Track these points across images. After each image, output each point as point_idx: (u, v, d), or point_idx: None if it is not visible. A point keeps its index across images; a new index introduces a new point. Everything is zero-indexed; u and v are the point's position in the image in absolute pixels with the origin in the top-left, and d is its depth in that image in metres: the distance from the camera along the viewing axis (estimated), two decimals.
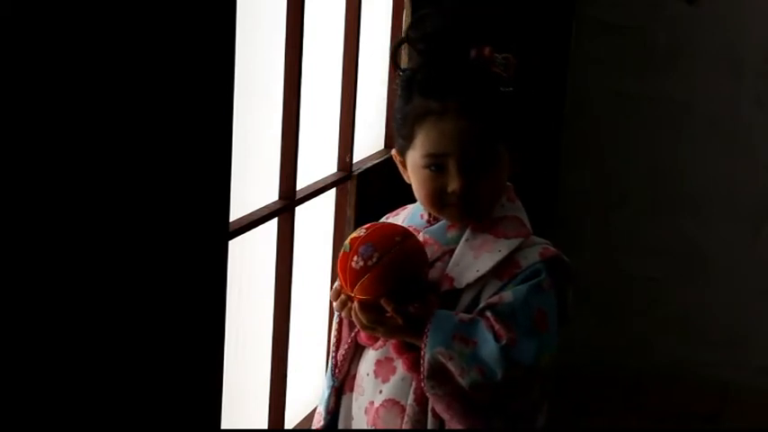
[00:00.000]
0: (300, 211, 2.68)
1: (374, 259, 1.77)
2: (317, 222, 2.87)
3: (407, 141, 1.86)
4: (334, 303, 1.85)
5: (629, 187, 4.58)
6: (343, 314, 1.86)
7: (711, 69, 4.43)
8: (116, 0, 1.72)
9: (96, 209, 1.74)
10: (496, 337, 1.75)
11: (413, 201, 2.00)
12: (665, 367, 4.55)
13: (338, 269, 1.81)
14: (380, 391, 1.85)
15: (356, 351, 1.91)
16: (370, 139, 3.20)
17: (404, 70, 1.90)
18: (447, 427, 1.80)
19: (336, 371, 1.91)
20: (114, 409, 1.85)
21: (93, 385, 1.79)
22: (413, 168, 1.86)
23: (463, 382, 1.75)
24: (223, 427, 2.29)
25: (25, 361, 1.62)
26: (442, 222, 1.89)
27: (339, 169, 2.94)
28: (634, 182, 4.57)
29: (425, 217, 1.90)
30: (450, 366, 1.75)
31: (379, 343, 1.86)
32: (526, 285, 1.80)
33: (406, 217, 1.95)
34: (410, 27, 1.90)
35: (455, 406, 1.77)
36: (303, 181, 2.71)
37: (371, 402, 1.86)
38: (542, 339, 1.78)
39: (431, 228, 1.89)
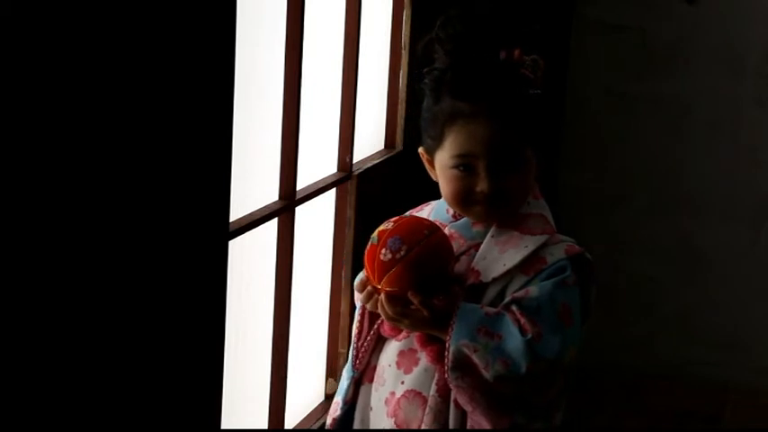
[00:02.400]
0: (300, 211, 2.68)
1: (402, 252, 1.78)
2: (317, 222, 2.87)
3: (436, 142, 1.87)
4: (360, 295, 1.87)
5: (629, 187, 4.58)
6: (368, 306, 1.87)
7: (711, 69, 4.43)
8: (116, 0, 1.73)
9: (97, 209, 1.74)
10: (522, 331, 1.77)
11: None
12: (666, 367, 4.55)
13: (365, 261, 1.82)
14: (402, 382, 1.87)
15: (377, 342, 1.92)
16: (370, 139, 3.20)
17: (431, 70, 1.90)
18: (469, 419, 1.81)
19: (357, 362, 1.92)
20: (114, 409, 1.85)
21: (93, 385, 1.79)
22: (441, 168, 1.88)
23: (487, 374, 1.76)
24: (223, 427, 2.29)
25: (26, 361, 1.62)
26: (467, 218, 1.90)
27: (339, 169, 2.94)
28: (634, 182, 4.57)
29: (451, 212, 1.92)
30: (475, 359, 1.76)
31: (403, 334, 1.87)
32: (552, 281, 1.83)
33: (432, 211, 1.96)
34: (439, 27, 1.90)
35: (478, 398, 1.79)
36: (303, 181, 2.71)
37: (392, 393, 1.87)
38: (566, 334, 1.81)
39: (456, 222, 1.90)
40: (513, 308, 1.80)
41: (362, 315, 1.94)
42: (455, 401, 1.82)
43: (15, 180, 1.55)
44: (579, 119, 4.59)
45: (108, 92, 1.73)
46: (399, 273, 1.78)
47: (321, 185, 2.80)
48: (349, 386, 1.94)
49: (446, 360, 1.78)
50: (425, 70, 1.91)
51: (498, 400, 1.80)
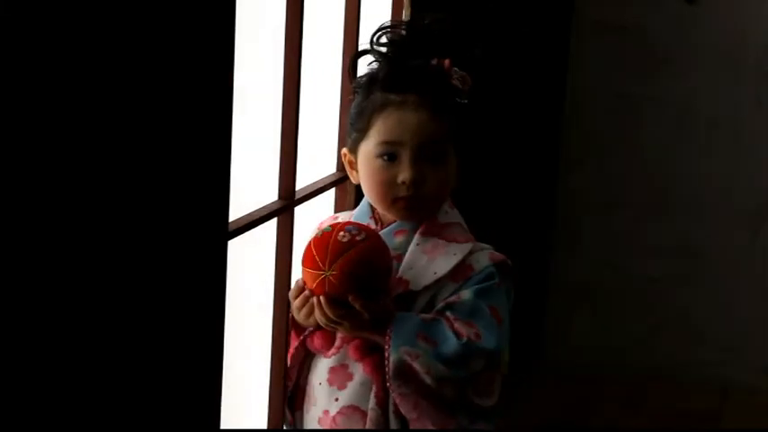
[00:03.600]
0: (300, 211, 2.68)
1: (362, 236, 1.80)
2: (316, 222, 2.87)
3: (362, 133, 1.92)
4: (294, 302, 1.88)
5: (629, 187, 4.58)
6: (300, 313, 1.88)
7: (711, 69, 4.43)
8: (115, 0, 1.73)
9: (95, 209, 1.74)
10: (458, 336, 1.80)
11: None
12: (665, 367, 4.55)
13: (312, 250, 1.82)
14: (336, 399, 1.88)
15: (304, 362, 1.94)
16: None
17: (366, 74, 1.97)
18: (411, 426, 1.83)
19: (289, 383, 1.95)
20: (114, 410, 1.85)
21: (92, 385, 1.79)
22: (365, 159, 1.92)
23: (429, 379, 1.78)
24: (223, 426, 2.29)
25: (24, 361, 1.62)
26: (389, 229, 1.93)
27: (339, 169, 2.94)
28: (634, 182, 4.57)
29: (373, 226, 1.94)
30: (417, 365, 1.78)
31: (332, 350, 1.88)
32: (482, 286, 1.89)
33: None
34: (374, 35, 1.99)
35: (422, 403, 1.81)
36: (303, 181, 2.71)
37: (326, 412, 1.89)
38: (500, 333, 1.87)
39: (378, 233, 1.93)
40: (448, 313, 1.83)
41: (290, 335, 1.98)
42: (395, 412, 1.84)
43: (14, 180, 1.55)
44: (579, 119, 4.59)
45: (107, 91, 1.73)
46: (359, 253, 1.79)
47: (321, 185, 2.80)
48: (286, 411, 1.98)
49: (387, 368, 1.80)
50: (359, 76, 1.97)
51: (442, 402, 1.82)
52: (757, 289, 4.50)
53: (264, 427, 2.67)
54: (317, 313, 1.83)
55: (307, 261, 1.84)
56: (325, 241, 1.81)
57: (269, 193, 2.56)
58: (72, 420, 1.75)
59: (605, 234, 4.60)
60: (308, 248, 1.84)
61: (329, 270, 1.80)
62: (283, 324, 2.66)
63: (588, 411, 4.20)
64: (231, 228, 2.27)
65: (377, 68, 1.95)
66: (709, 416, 4.26)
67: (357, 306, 1.79)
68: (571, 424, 4.09)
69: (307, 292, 1.84)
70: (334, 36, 2.88)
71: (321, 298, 1.81)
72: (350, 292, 1.79)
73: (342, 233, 1.81)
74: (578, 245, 4.59)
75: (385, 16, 3.19)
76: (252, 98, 2.38)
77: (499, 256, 1.95)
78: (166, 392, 2.02)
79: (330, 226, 1.85)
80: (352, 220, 1.98)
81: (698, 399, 4.36)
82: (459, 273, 1.89)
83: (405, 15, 3.16)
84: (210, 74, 2.03)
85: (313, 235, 1.88)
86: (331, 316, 1.81)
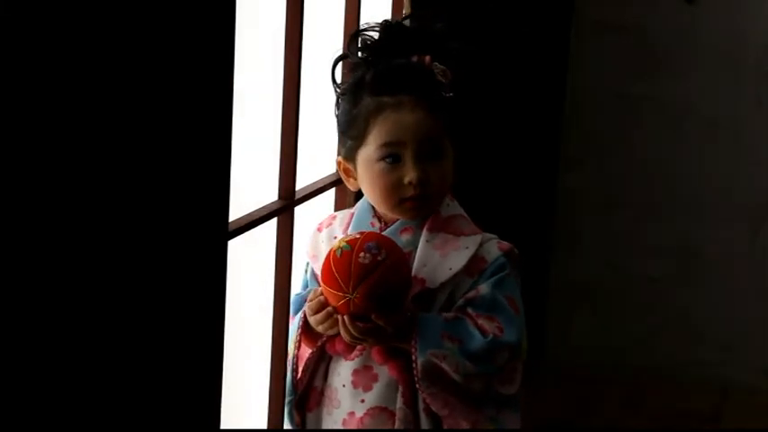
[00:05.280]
0: (300, 211, 2.68)
1: (383, 255, 1.79)
2: (316, 222, 2.87)
3: (358, 141, 1.92)
4: (315, 317, 1.87)
5: (629, 187, 4.58)
6: (322, 326, 1.88)
7: (711, 69, 4.43)
8: (115, 0, 1.73)
9: (94, 209, 1.74)
10: (482, 332, 1.81)
11: None
12: (665, 367, 4.55)
13: (333, 271, 1.81)
14: (362, 401, 1.88)
15: (318, 365, 1.94)
16: None
17: (348, 79, 1.98)
18: (443, 426, 1.84)
19: (300, 386, 1.94)
20: (113, 410, 1.85)
21: (91, 385, 1.79)
22: (366, 165, 1.92)
23: (457, 376, 1.79)
24: (223, 426, 2.29)
25: (23, 362, 1.62)
26: (393, 228, 1.93)
27: None
28: (634, 182, 4.57)
29: (377, 225, 1.94)
30: (445, 365, 1.79)
31: (355, 353, 1.89)
32: (497, 277, 1.92)
33: (350, 227, 1.99)
34: (349, 41, 2.00)
35: (452, 400, 1.82)
36: (303, 181, 2.70)
37: (351, 413, 1.89)
38: (519, 322, 1.90)
39: (383, 233, 1.93)
40: (469, 310, 1.84)
41: (299, 341, 1.97)
42: (425, 409, 1.84)
43: (12, 180, 1.55)
44: (579, 119, 4.59)
45: (105, 90, 1.73)
46: (381, 276, 1.79)
47: (321, 185, 2.80)
48: (292, 411, 1.97)
49: (415, 371, 1.80)
50: (343, 82, 1.97)
51: (471, 397, 1.83)
52: (757, 289, 4.50)
53: (264, 427, 2.67)
54: (341, 331, 1.85)
55: (328, 281, 1.83)
56: (346, 262, 1.80)
57: (269, 193, 2.56)
58: (72, 420, 1.75)
59: (605, 234, 4.59)
60: (328, 267, 1.83)
61: (353, 293, 1.80)
62: (283, 325, 2.66)
63: (588, 411, 4.19)
64: (231, 228, 2.26)
65: (361, 73, 1.95)
66: (709, 416, 4.26)
67: (381, 323, 1.80)
68: (571, 424, 4.09)
69: (330, 308, 1.84)
70: (334, 36, 2.88)
71: (346, 318, 1.82)
72: (373, 311, 1.79)
73: (362, 254, 1.80)
74: (578, 245, 4.59)
75: (385, 16, 3.19)
76: (252, 98, 2.38)
77: (506, 244, 1.97)
78: (166, 393, 2.02)
79: (348, 243, 1.83)
80: (353, 219, 1.97)
81: (698, 399, 4.36)
82: (473, 266, 1.91)
83: (404, 16, 3.16)
84: (210, 74, 2.03)
85: (331, 250, 1.86)
86: (356, 334, 1.82)
